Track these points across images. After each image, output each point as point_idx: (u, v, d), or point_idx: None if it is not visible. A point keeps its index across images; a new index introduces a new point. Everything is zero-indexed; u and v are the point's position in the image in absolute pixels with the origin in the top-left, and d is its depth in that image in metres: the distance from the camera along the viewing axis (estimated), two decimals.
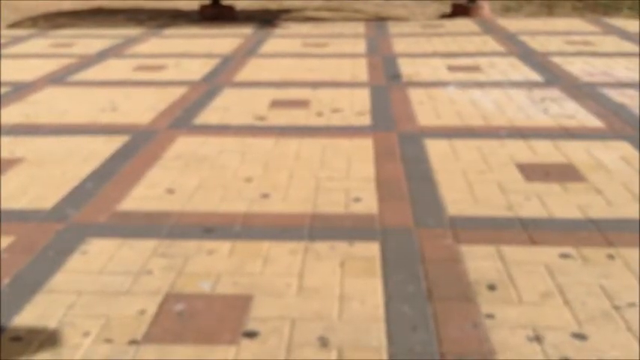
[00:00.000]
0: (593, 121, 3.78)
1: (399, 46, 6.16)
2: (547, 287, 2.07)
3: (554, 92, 4.40)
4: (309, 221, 2.57)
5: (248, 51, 6.07)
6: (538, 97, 4.30)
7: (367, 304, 2.00)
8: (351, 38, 6.64)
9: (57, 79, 5.06)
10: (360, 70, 5.19)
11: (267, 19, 8.04)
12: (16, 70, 5.31)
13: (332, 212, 2.65)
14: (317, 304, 2.01)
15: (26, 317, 1.97)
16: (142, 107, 4.22)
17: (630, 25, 6.97)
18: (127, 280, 2.16)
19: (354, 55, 5.76)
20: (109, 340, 1.84)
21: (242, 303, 2.02)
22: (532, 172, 3.05)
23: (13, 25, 7.85)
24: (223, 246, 2.39)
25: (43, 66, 5.45)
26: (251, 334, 1.86)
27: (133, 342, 1.84)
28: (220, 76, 5.09)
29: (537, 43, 6.07)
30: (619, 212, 2.61)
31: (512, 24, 7.27)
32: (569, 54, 5.59)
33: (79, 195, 2.88)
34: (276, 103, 4.25)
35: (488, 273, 2.16)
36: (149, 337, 1.86)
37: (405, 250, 2.33)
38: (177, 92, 4.56)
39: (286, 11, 8.67)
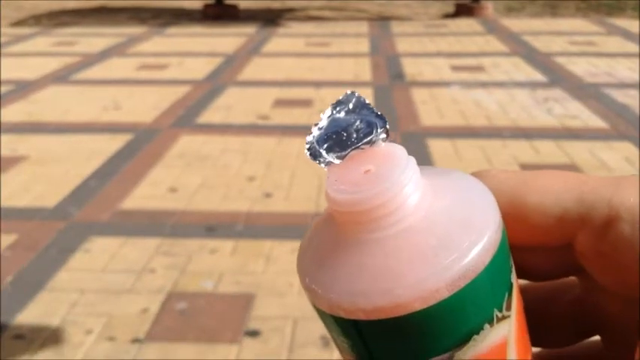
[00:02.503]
0: (597, 122, 3.78)
1: (402, 45, 6.16)
2: None
3: (557, 92, 4.40)
4: (312, 220, 2.57)
5: (251, 50, 6.07)
6: (541, 97, 4.29)
7: None
8: (354, 38, 6.64)
9: (60, 77, 5.07)
10: (363, 69, 5.19)
11: (270, 18, 8.04)
12: (19, 69, 5.31)
13: None
14: None
15: (28, 315, 1.97)
16: (144, 106, 4.23)
17: (634, 25, 6.96)
18: (129, 279, 2.16)
19: (357, 55, 5.75)
20: (111, 339, 1.85)
21: (244, 302, 2.02)
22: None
23: (16, 23, 7.86)
24: (226, 245, 2.39)
25: (46, 64, 5.46)
26: (253, 333, 1.86)
27: (136, 340, 1.84)
28: (223, 75, 5.09)
29: (541, 44, 6.07)
30: None
31: (516, 24, 7.26)
32: (573, 54, 5.59)
33: (81, 193, 2.89)
34: (279, 102, 4.25)
35: None
36: (151, 336, 1.86)
37: None
38: (180, 91, 4.57)
39: (289, 10, 8.68)
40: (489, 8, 7.91)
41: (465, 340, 0.21)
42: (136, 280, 2.15)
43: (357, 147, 0.22)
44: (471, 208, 0.21)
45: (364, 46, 6.22)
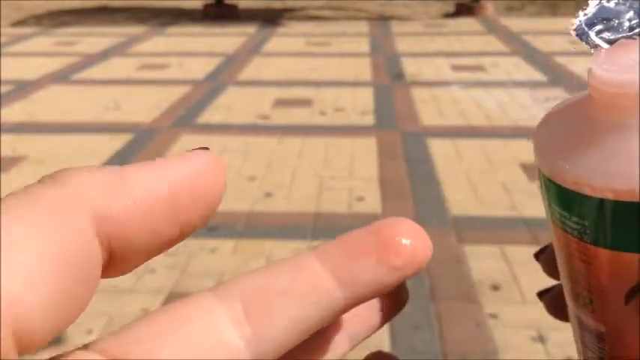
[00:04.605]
0: None
1: (403, 45, 6.15)
2: None
3: (557, 92, 4.39)
4: (312, 220, 2.57)
5: (251, 50, 6.07)
6: (542, 96, 4.29)
7: None
8: (355, 37, 6.64)
9: (60, 77, 5.07)
10: (363, 69, 5.19)
11: (270, 18, 8.04)
12: (20, 69, 5.31)
13: (335, 211, 2.65)
14: None
15: None
16: (145, 106, 4.23)
17: None
18: (130, 279, 2.16)
19: (357, 54, 5.75)
20: None
21: None
22: (536, 172, 3.04)
23: (17, 23, 7.86)
24: (226, 245, 2.39)
25: (47, 64, 5.46)
26: None
27: None
28: (223, 75, 5.09)
29: (541, 43, 6.07)
30: None
31: (516, 24, 7.26)
32: (573, 54, 5.58)
33: None
34: (279, 102, 4.25)
35: (492, 273, 2.16)
36: None
37: None
38: (181, 91, 4.57)
39: (289, 10, 8.68)
40: (489, 8, 7.91)
41: None
42: (137, 280, 2.15)
43: (629, 36, 0.21)
44: None
45: (364, 45, 6.22)
